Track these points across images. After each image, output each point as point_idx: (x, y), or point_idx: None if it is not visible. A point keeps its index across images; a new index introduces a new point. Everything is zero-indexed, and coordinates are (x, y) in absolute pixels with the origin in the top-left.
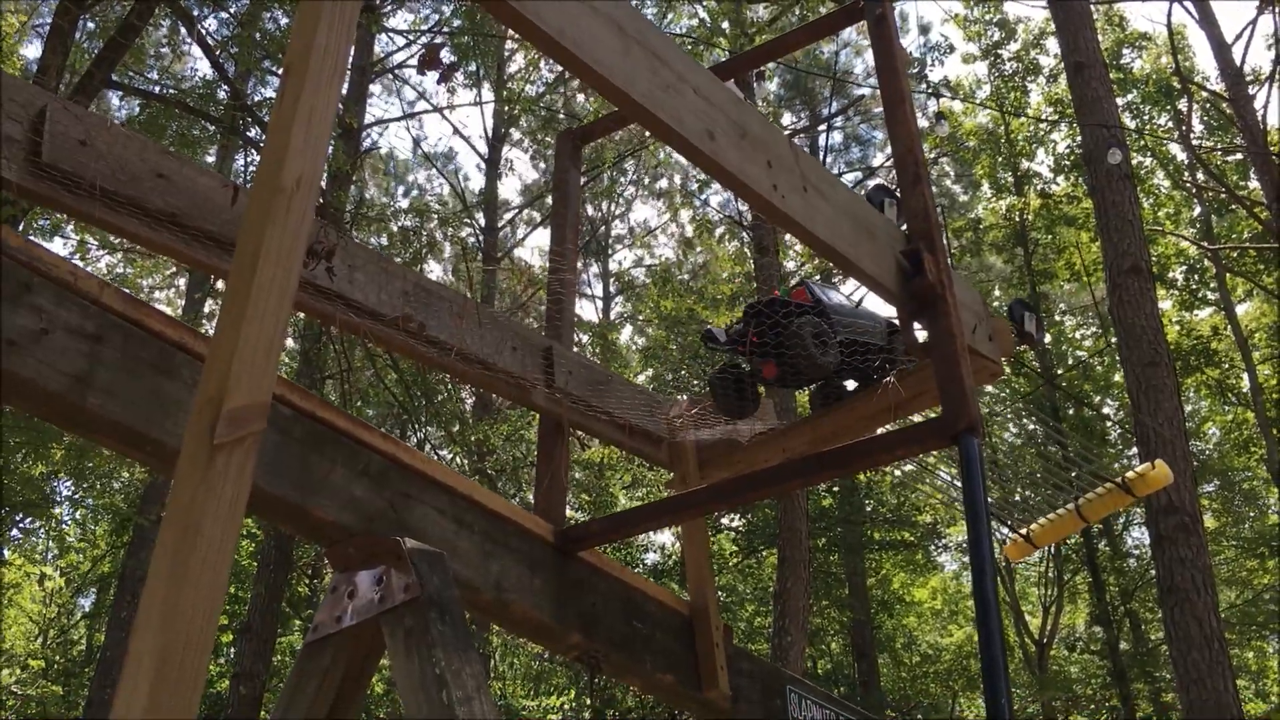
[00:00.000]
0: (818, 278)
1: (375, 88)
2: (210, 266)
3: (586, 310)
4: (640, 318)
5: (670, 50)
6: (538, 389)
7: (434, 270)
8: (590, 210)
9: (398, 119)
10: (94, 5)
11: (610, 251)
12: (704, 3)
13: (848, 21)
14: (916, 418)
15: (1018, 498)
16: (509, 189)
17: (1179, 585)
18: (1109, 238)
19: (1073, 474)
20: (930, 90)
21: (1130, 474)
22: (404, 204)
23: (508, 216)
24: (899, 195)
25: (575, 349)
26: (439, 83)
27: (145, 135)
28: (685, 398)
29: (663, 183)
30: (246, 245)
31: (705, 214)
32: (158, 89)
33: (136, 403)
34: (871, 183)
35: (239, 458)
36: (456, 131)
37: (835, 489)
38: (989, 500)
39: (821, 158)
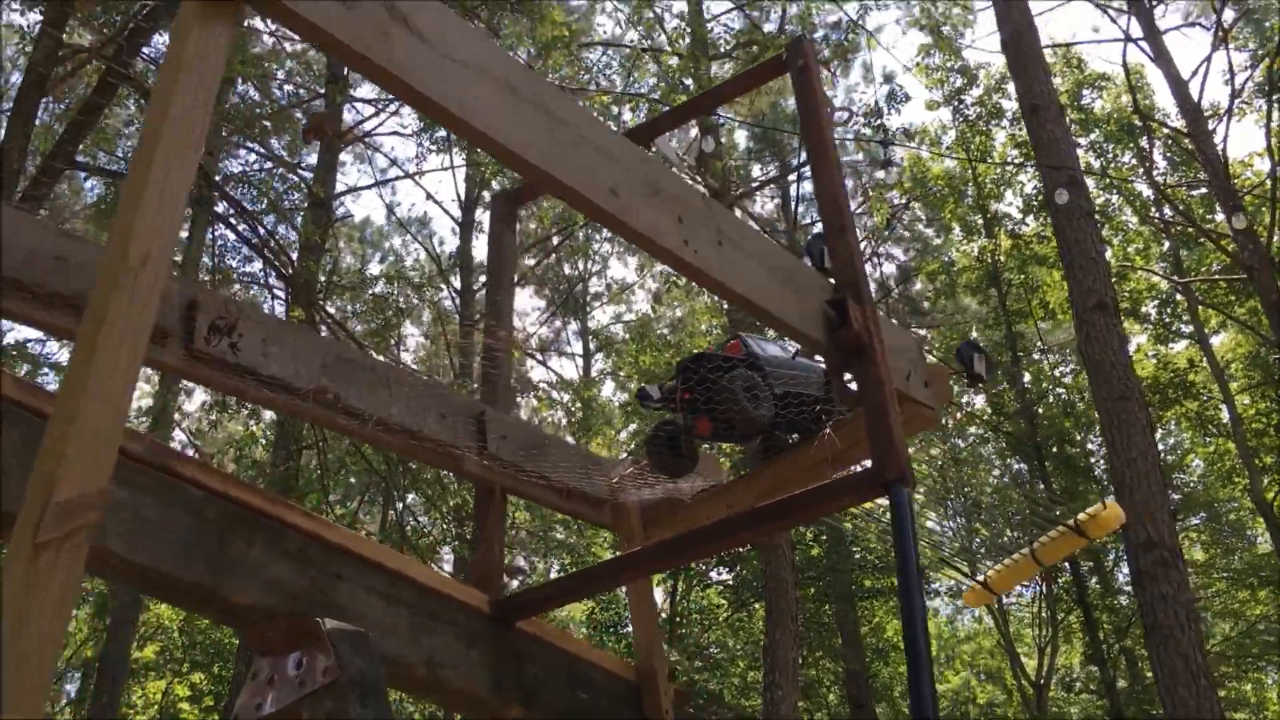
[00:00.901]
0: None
1: (347, 156)
2: None
3: (567, 368)
4: (621, 373)
5: (568, 109)
6: (467, 457)
7: (413, 333)
8: (567, 269)
9: (369, 186)
10: (57, 87)
11: (588, 309)
12: (663, 62)
13: (775, 73)
14: (863, 463)
15: (977, 541)
16: (483, 251)
17: (1162, 622)
18: (1074, 275)
19: (1019, 516)
20: (883, 138)
21: (1082, 516)
22: (377, 270)
23: (483, 279)
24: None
25: (558, 406)
26: (327, 151)
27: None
28: (626, 456)
29: None
30: (89, 325)
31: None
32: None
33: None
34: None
35: (67, 554)
36: (429, 196)
37: (823, 537)
38: (945, 548)
39: (793, 208)
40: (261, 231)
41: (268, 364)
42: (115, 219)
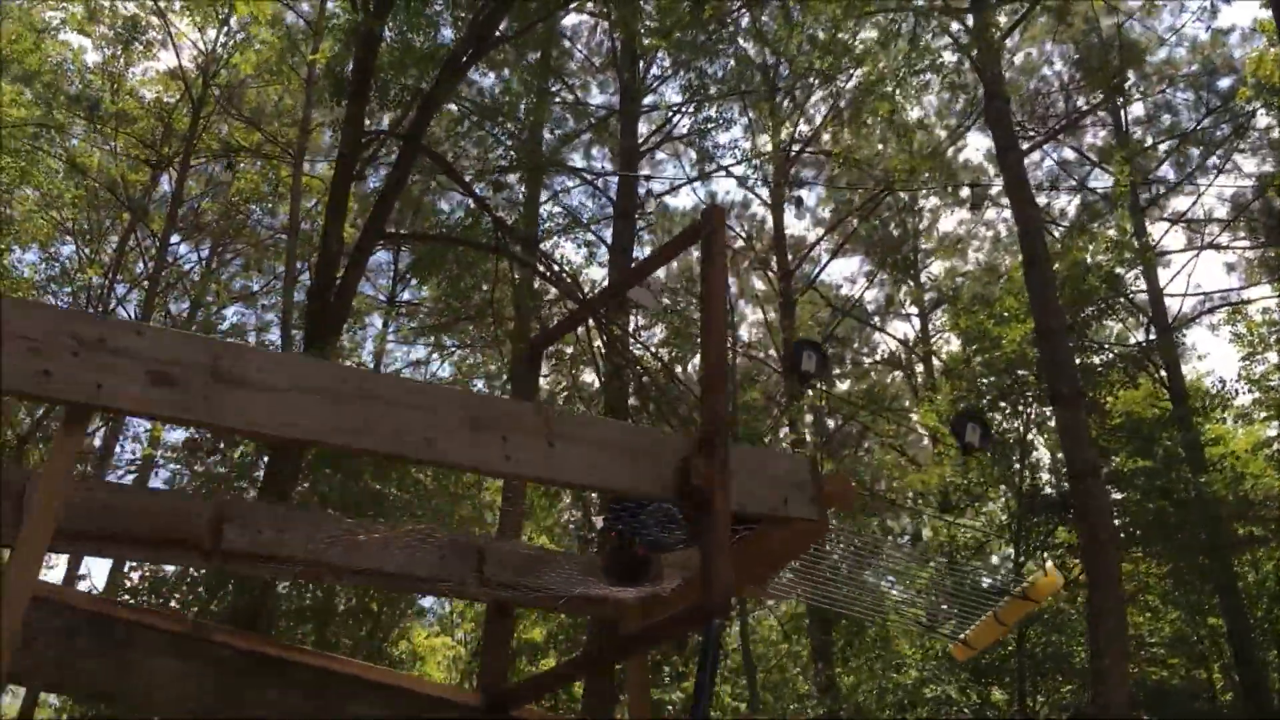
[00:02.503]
0: None
1: None
2: None
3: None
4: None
5: (386, 386)
6: (468, 584)
7: None
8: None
9: None
10: (363, 171)
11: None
12: None
13: (692, 241)
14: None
15: (947, 607)
16: None
17: None
18: None
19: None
20: None
21: (1025, 584)
22: None
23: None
24: (819, 348)
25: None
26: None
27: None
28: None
29: None
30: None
31: None
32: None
33: None
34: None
35: None
36: None
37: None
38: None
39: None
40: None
41: (281, 549)
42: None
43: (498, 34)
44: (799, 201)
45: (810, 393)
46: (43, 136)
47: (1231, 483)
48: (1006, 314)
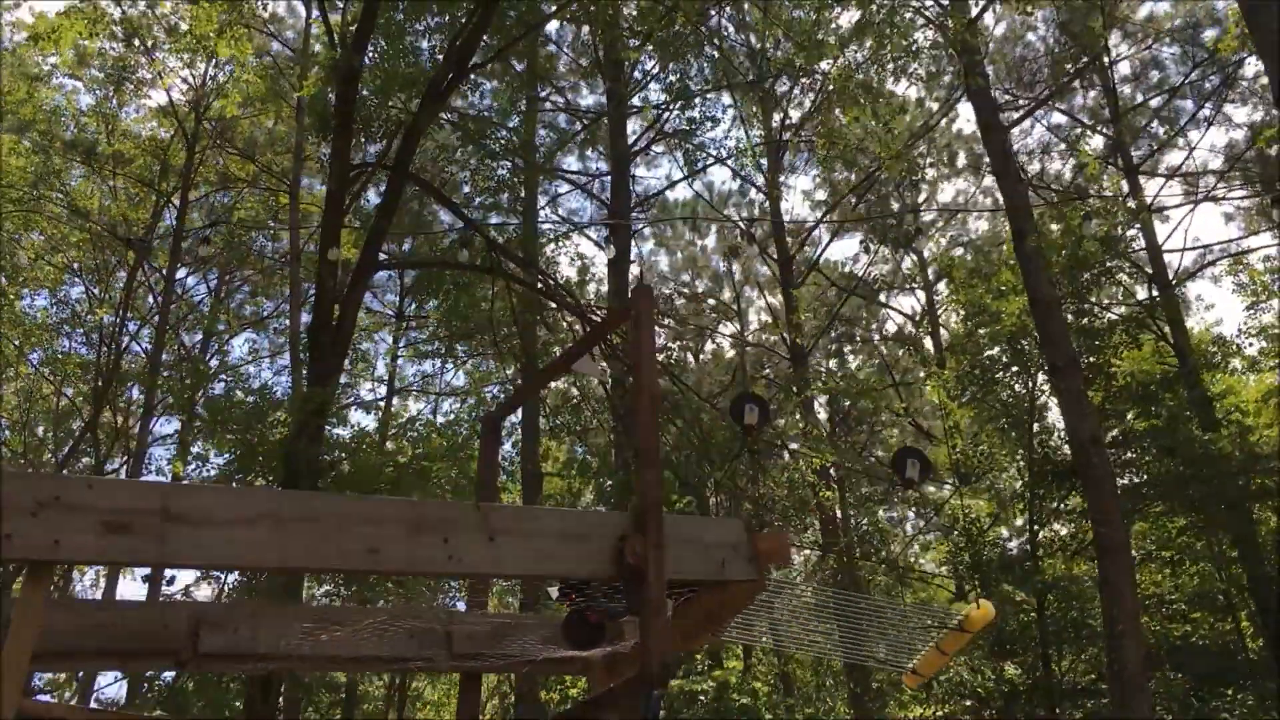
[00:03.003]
0: None
1: None
2: None
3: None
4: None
5: (329, 505)
6: (438, 660)
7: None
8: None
9: None
10: (351, 206)
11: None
12: None
13: (622, 320)
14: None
15: (895, 635)
16: None
17: None
18: None
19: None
20: None
21: (961, 617)
22: None
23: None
24: (763, 402)
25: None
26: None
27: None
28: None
29: None
30: None
31: None
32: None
33: None
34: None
35: None
36: None
37: None
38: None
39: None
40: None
41: (256, 646)
42: None
43: (475, 61)
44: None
45: (822, 381)
46: (43, 183)
47: (1238, 436)
48: (1004, 288)
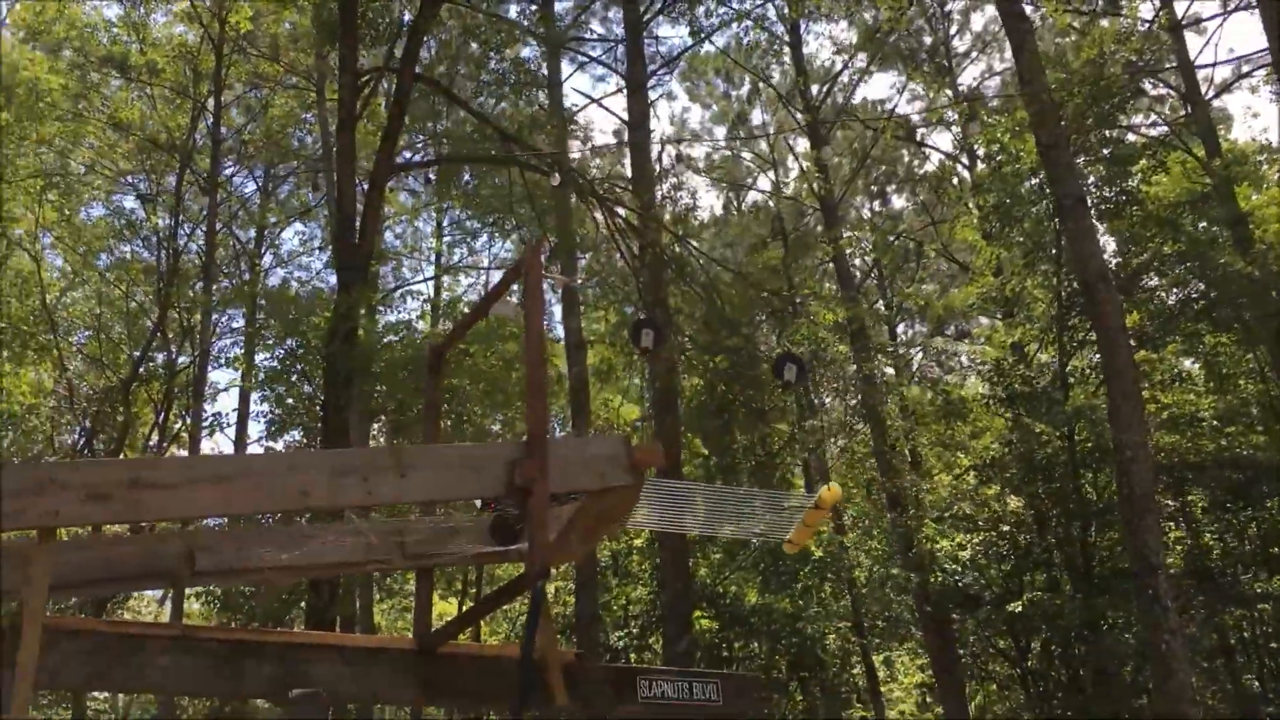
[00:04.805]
0: None
1: None
2: None
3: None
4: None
5: (259, 461)
6: (393, 560)
7: None
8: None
9: None
10: (363, 112)
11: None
12: None
13: (514, 279)
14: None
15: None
16: None
17: None
18: None
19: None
20: None
21: (816, 497)
22: None
23: None
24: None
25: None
26: None
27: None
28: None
29: None
30: None
31: None
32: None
33: None
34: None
35: None
36: None
37: None
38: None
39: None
40: None
41: (241, 562)
42: None
43: None
44: None
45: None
46: (83, 99)
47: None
48: (1019, 128)
